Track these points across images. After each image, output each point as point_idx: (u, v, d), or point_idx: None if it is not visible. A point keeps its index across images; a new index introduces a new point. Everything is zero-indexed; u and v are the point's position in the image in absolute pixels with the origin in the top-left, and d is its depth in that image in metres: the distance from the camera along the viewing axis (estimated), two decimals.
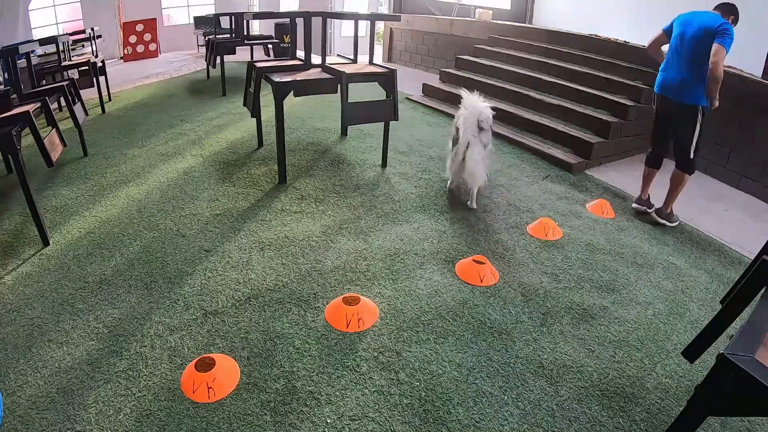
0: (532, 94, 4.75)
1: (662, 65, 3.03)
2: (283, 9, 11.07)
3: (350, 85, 3.12)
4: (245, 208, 2.88)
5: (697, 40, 2.75)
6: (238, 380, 1.65)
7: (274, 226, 2.68)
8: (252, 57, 7.30)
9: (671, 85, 2.92)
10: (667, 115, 3.03)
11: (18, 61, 3.43)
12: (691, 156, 2.92)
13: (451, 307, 2.06)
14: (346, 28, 10.19)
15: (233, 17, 6.51)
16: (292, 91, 3.09)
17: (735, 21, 2.82)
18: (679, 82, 2.87)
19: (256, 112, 3.65)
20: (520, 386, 1.68)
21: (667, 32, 3.02)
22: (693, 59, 2.78)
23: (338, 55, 9.68)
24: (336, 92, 3.28)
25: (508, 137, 4.36)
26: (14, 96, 3.25)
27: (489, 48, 6.04)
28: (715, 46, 2.63)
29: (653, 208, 3.20)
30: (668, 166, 3.15)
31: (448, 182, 3.23)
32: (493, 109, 3.04)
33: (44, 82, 4.65)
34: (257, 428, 1.48)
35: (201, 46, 9.41)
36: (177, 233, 2.59)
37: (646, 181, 3.26)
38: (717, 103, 2.81)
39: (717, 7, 2.85)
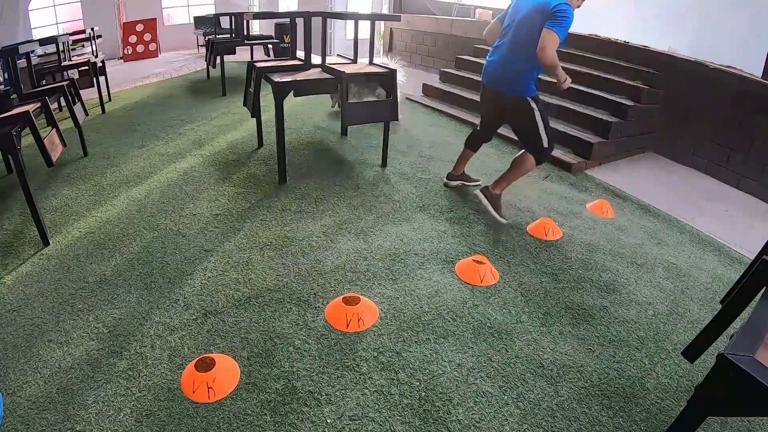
0: None
1: (490, 52, 2.79)
2: (283, 9, 11.07)
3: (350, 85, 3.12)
4: (245, 208, 2.88)
5: (525, 24, 2.46)
6: (238, 380, 1.65)
7: (274, 226, 2.68)
8: (252, 57, 7.30)
9: (494, 75, 2.69)
10: (495, 106, 2.82)
11: (18, 61, 3.43)
12: (545, 145, 2.66)
13: (451, 307, 2.06)
14: (350, 30, 10.19)
15: (233, 17, 6.51)
16: (292, 91, 3.09)
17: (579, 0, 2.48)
18: (502, 72, 2.62)
19: (256, 112, 3.65)
20: (520, 386, 1.68)
21: (501, 20, 2.75)
22: (518, 45, 2.51)
23: (338, 55, 9.69)
24: (336, 92, 3.28)
25: (508, 137, 4.36)
26: (14, 96, 3.25)
27: (489, 48, 6.03)
28: (543, 32, 2.32)
29: (475, 182, 3.15)
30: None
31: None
32: None
33: (44, 82, 4.65)
34: (257, 428, 1.48)
35: (201, 46, 9.41)
36: (177, 233, 2.59)
37: (461, 160, 3.16)
38: (568, 82, 2.52)
39: None
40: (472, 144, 3.12)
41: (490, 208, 2.79)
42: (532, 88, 2.61)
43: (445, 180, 3.21)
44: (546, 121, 2.65)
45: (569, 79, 2.54)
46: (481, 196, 2.82)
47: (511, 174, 2.77)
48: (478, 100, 3.04)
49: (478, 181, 3.21)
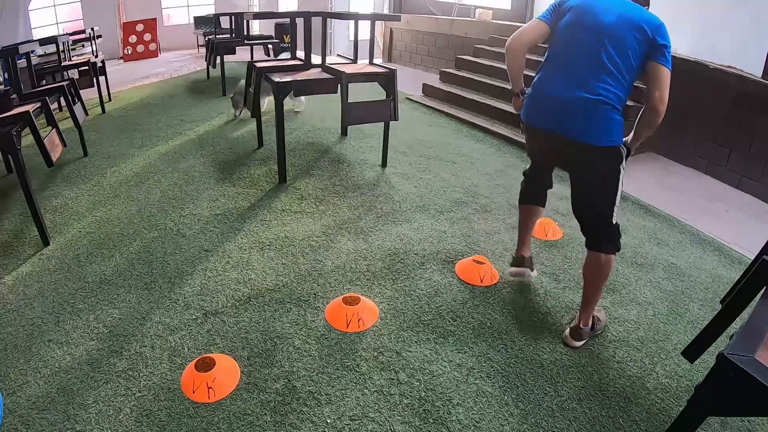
0: None
1: (537, 76, 1.88)
2: (282, 9, 11.07)
3: (350, 85, 3.12)
4: (245, 208, 2.88)
5: (619, 36, 1.70)
6: (238, 380, 1.65)
7: (274, 226, 2.68)
8: (252, 57, 7.30)
9: (560, 111, 1.77)
10: (555, 158, 1.99)
11: (18, 61, 3.43)
12: (614, 221, 1.81)
13: (451, 307, 2.06)
14: (353, 31, 10.18)
15: (233, 17, 6.51)
16: (292, 92, 3.09)
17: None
18: (578, 107, 1.73)
19: (256, 112, 3.65)
20: (520, 386, 1.68)
21: (550, 23, 1.86)
22: (606, 63, 1.72)
23: (338, 55, 9.68)
24: (336, 92, 3.28)
25: (508, 137, 4.36)
26: (14, 96, 3.25)
27: (489, 48, 6.04)
28: (657, 68, 1.73)
29: (571, 329, 1.91)
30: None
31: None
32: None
33: (44, 82, 4.65)
34: (257, 428, 1.48)
35: (201, 46, 9.41)
36: (177, 233, 2.59)
37: (525, 228, 2.22)
38: (634, 148, 1.89)
39: None
40: (536, 197, 2.21)
41: (592, 335, 1.93)
42: (622, 131, 1.80)
43: (513, 270, 2.22)
44: (622, 186, 1.82)
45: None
46: (575, 343, 1.88)
47: (595, 291, 1.86)
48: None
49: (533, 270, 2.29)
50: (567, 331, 1.91)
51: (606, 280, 1.87)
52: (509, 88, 2.10)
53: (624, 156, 1.80)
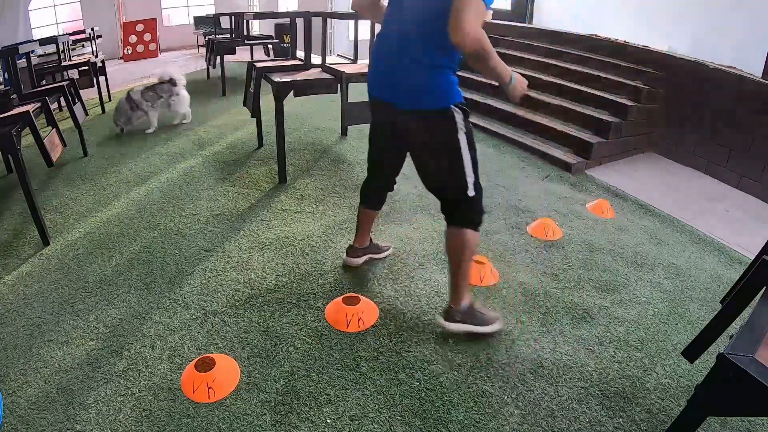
0: (532, 94, 4.74)
1: (376, 42, 1.78)
2: (282, 9, 11.07)
3: (350, 85, 3.12)
4: (245, 208, 2.88)
5: None
6: (238, 380, 1.65)
7: (274, 226, 2.68)
8: (252, 57, 7.30)
9: (384, 80, 1.72)
10: (393, 130, 1.84)
11: (18, 61, 3.43)
12: (471, 193, 1.71)
13: None
14: (353, 32, 10.18)
15: (233, 17, 6.51)
16: (292, 91, 3.09)
17: None
18: (398, 73, 1.63)
19: (256, 112, 3.65)
20: (520, 386, 1.68)
21: None
22: (419, 22, 1.56)
23: (338, 55, 9.68)
24: (336, 92, 3.28)
25: (508, 137, 4.36)
26: (14, 96, 3.26)
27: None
28: None
29: (386, 251, 2.28)
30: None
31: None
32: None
33: (44, 82, 4.66)
34: (257, 428, 1.48)
35: (201, 46, 9.41)
36: (177, 233, 2.59)
37: (363, 225, 2.21)
38: (522, 86, 1.64)
39: None
40: (372, 198, 2.17)
41: (476, 328, 1.84)
42: (456, 90, 1.63)
43: (346, 258, 2.28)
44: (474, 150, 1.71)
45: (525, 82, 1.65)
46: (450, 325, 1.83)
47: (459, 268, 1.79)
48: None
49: (388, 248, 2.39)
50: (443, 316, 1.84)
51: (469, 259, 1.77)
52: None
53: (460, 118, 1.62)
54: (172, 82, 4.35)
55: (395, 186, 2.22)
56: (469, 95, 5.24)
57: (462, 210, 1.75)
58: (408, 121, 1.70)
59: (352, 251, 2.29)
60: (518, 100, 1.66)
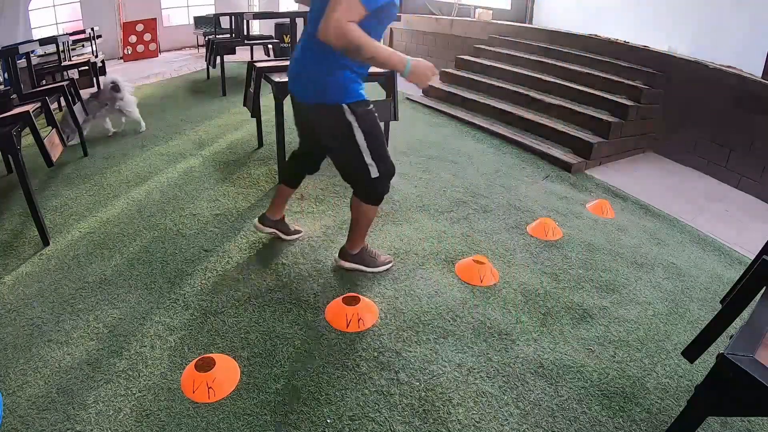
0: (532, 94, 4.75)
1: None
2: (282, 9, 11.07)
3: None
4: (245, 208, 2.88)
5: None
6: (238, 380, 1.65)
7: None
8: (252, 57, 7.30)
9: (292, 75, 1.88)
10: (305, 121, 2.05)
11: (18, 61, 3.43)
12: (372, 174, 1.87)
13: (451, 307, 2.06)
14: None
15: (233, 17, 6.50)
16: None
17: None
18: (299, 68, 1.82)
19: (256, 112, 3.64)
20: (520, 386, 1.68)
21: None
22: (317, 22, 1.58)
23: None
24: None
25: (508, 137, 4.36)
26: (14, 96, 3.26)
27: (489, 48, 6.04)
28: None
29: (295, 235, 2.46)
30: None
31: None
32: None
33: (44, 82, 4.66)
34: (257, 428, 1.48)
35: (201, 46, 9.41)
36: (177, 233, 2.59)
37: (278, 199, 2.36)
38: (429, 74, 1.69)
39: None
40: (289, 176, 2.33)
41: (364, 268, 2.20)
42: (351, 89, 1.76)
43: (255, 222, 2.40)
44: (376, 140, 1.84)
45: (430, 66, 1.68)
46: (343, 262, 2.21)
47: (357, 226, 2.09)
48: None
49: (298, 233, 2.50)
50: (338, 255, 2.19)
51: (365, 224, 2.06)
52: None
53: (352, 118, 1.76)
54: (115, 87, 4.13)
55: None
56: (469, 95, 5.25)
57: (363, 187, 1.94)
58: (308, 114, 1.90)
59: (263, 218, 2.39)
60: (425, 86, 1.76)
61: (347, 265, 2.20)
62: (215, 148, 3.85)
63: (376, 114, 1.84)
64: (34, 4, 8.05)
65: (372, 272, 2.21)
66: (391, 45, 8.81)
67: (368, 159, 1.83)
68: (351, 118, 1.76)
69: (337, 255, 2.23)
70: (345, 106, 1.74)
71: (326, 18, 1.48)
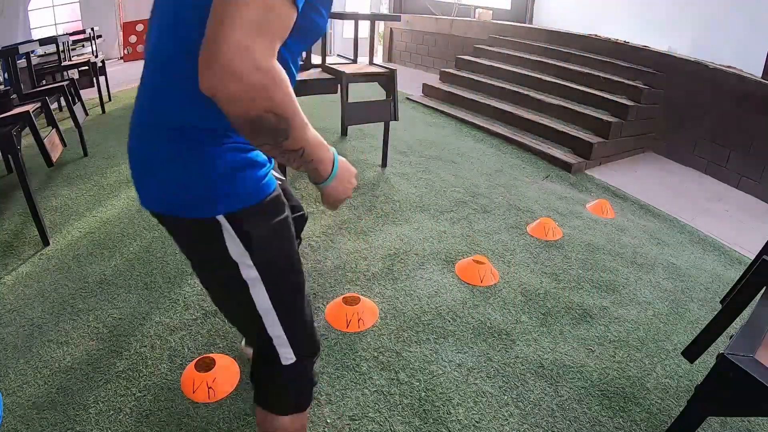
0: (532, 94, 4.75)
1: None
2: None
3: (350, 85, 3.12)
4: None
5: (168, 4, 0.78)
6: (238, 380, 1.65)
7: None
8: None
9: (130, 150, 0.89)
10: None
11: (18, 61, 3.43)
12: (284, 360, 0.96)
13: (451, 307, 2.06)
14: (347, 29, 10.17)
15: None
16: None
17: None
18: (134, 139, 0.89)
19: None
20: (520, 386, 1.68)
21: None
22: (163, 61, 0.84)
23: (338, 55, 9.68)
24: (336, 92, 3.28)
25: (508, 137, 4.36)
26: (14, 96, 3.25)
27: (489, 48, 6.05)
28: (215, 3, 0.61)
29: None
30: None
31: None
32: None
33: (44, 82, 4.65)
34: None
35: None
36: None
37: None
38: (339, 193, 0.89)
39: None
40: None
41: None
42: (241, 179, 0.81)
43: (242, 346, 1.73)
44: (290, 293, 0.93)
45: (352, 174, 0.96)
46: None
47: None
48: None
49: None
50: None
51: None
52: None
53: (237, 233, 0.82)
54: None
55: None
56: (469, 95, 5.25)
57: (268, 384, 1.04)
58: (169, 228, 0.91)
59: None
60: (335, 209, 0.95)
61: None
62: None
63: (292, 227, 0.92)
64: (34, 4, 8.05)
65: None
66: (391, 45, 8.80)
67: (274, 330, 0.91)
68: (236, 250, 0.83)
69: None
70: (223, 221, 0.81)
71: (216, 43, 0.61)
